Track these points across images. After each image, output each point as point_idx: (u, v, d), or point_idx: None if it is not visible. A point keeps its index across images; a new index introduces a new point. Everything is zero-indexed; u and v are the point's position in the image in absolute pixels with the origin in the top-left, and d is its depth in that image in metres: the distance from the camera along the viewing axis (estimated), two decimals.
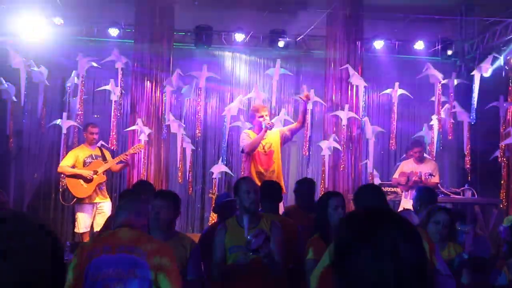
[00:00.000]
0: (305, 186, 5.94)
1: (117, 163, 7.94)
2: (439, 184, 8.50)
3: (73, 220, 7.96)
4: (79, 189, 7.62)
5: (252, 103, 9.38)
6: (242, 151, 7.33)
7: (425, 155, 8.67)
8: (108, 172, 7.97)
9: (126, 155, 7.99)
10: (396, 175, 8.46)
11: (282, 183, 7.26)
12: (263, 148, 7.21)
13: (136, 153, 8.26)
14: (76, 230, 7.64)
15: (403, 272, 1.50)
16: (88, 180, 7.63)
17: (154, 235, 3.78)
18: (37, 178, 9.34)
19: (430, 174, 8.08)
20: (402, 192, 8.28)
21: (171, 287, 3.29)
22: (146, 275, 3.23)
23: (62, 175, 7.93)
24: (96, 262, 3.25)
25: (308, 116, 8.07)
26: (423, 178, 8.05)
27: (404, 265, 1.50)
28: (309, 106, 8.04)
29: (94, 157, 7.79)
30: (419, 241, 1.57)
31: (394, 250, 1.51)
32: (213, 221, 7.79)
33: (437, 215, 4.30)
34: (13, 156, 9.09)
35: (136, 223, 3.43)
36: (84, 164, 7.73)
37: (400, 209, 7.57)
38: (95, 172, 7.64)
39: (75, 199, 7.63)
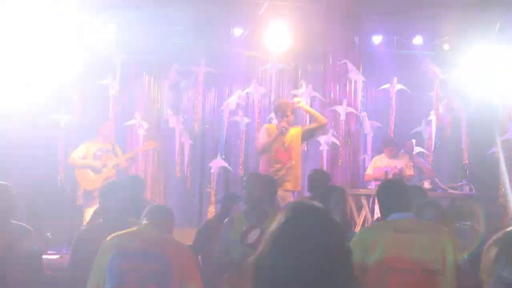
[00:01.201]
0: (317, 177, 6.04)
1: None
2: (436, 179, 8.53)
3: (79, 215, 7.94)
4: (87, 180, 7.63)
5: (251, 98, 9.38)
6: None
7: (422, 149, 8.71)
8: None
9: (137, 151, 7.99)
10: (369, 171, 8.39)
11: (299, 181, 7.23)
12: (283, 145, 7.13)
13: (146, 150, 8.25)
14: (84, 224, 7.61)
15: (313, 265, 1.52)
16: (97, 171, 7.62)
17: None
18: (34, 173, 9.30)
19: (415, 165, 8.15)
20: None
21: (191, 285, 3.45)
22: (168, 271, 3.35)
23: (61, 171, 7.92)
24: (118, 254, 3.37)
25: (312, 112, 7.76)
26: (402, 171, 8.04)
27: (312, 259, 1.53)
28: (305, 106, 7.79)
29: (105, 151, 7.80)
30: (335, 231, 1.61)
31: (300, 242, 1.55)
32: (211, 216, 7.80)
33: (426, 212, 4.20)
34: (10, 150, 9.05)
35: (162, 225, 3.60)
36: (95, 156, 7.74)
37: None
38: (105, 165, 7.63)
39: (82, 190, 7.64)
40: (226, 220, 4.40)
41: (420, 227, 3.46)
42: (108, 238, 3.55)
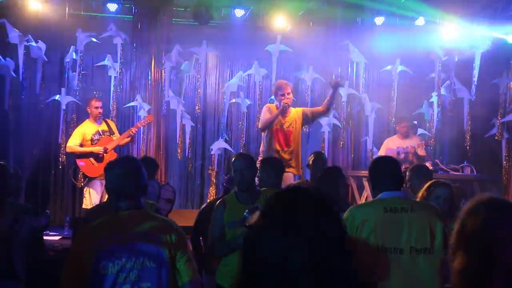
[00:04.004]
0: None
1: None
2: (437, 161, 8.52)
3: (81, 196, 7.89)
4: (90, 168, 7.47)
5: (252, 79, 9.35)
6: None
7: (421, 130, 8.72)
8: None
9: (136, 128, 7.87)
10: (382, 152, 8.39)
11: (300, 164, 7.20)
12: (283, 127, 7.09)
13: (145, 126, 8.16)
14: (84, 206, 7.57)
15: (318, 250, 1.47)
16: (99, 159, 7.50)
17: None
18: (36, 154, 9.32)
19: (427, 145, 8.16)
20: None
21: (188, 265, 3.02)
22: (163, 261, 2.94)
23: (62, 151, 7.87)
24: (106, 252, 2.89)
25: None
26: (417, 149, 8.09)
27: (318, 243, 1.48)
28: (340, 93, 7.68)
29: (101, 133, 7.62)
30: (335, 217, 1.57)
31: (306, 228, 1.49)
32: (212, 198, 7.81)
33: (438, 189, 4.25)
34: (12, 131, 9.05)
35: (141, 199, 3.07)
36: (92, 141, 7.55)
37: None
38: (105, 150, 7.51)
39: (87, 178, 7.53)
40: (218, 202, 4.33)
41: (409, 206, 3.43)
42: (90, 230, 3.05)
